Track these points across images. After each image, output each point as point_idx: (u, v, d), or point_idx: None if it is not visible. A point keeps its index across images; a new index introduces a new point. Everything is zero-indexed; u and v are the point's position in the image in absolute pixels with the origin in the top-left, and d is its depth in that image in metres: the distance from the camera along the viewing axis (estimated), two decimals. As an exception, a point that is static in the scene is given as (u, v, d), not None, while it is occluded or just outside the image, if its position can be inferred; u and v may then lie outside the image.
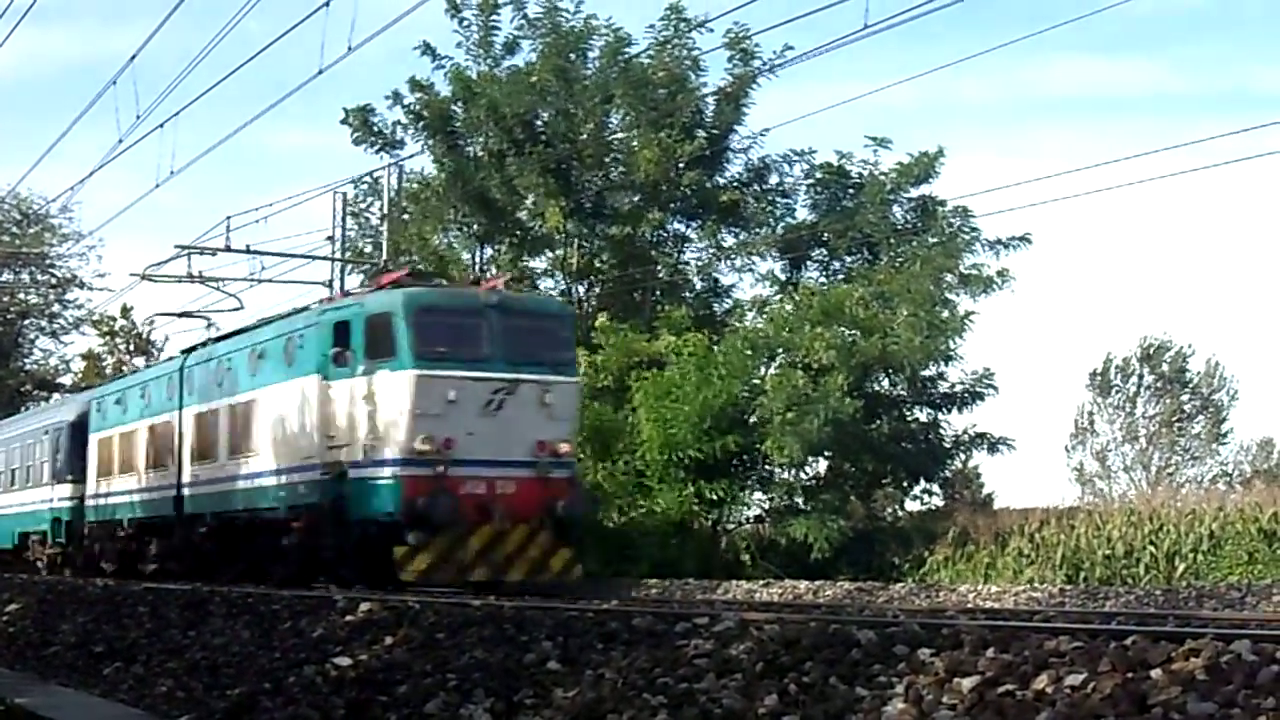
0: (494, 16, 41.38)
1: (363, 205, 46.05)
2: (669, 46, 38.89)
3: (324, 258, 43.48)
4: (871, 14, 20.97)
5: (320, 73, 23.13)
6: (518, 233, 41.78)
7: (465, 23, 41.45)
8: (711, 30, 39.10)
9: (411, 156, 43.04)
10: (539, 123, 40.20)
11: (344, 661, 13.57)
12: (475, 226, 41.60)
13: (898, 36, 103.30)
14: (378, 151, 43.18)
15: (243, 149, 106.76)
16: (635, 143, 39.21)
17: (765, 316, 38.87)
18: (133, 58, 27.42)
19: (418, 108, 41.55)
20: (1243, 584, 23.09)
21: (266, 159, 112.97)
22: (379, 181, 43.90)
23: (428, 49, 41.06)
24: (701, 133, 38.60)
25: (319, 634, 15.45)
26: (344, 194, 43.54)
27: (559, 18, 40.60)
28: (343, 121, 42.48)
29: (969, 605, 19.92)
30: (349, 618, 15.94)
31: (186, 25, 79.90)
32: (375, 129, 42.51)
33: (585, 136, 39.65)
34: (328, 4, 21.43)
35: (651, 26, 39.40)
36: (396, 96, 41.75)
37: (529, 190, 40.29)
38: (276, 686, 13.37)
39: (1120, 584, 25.56)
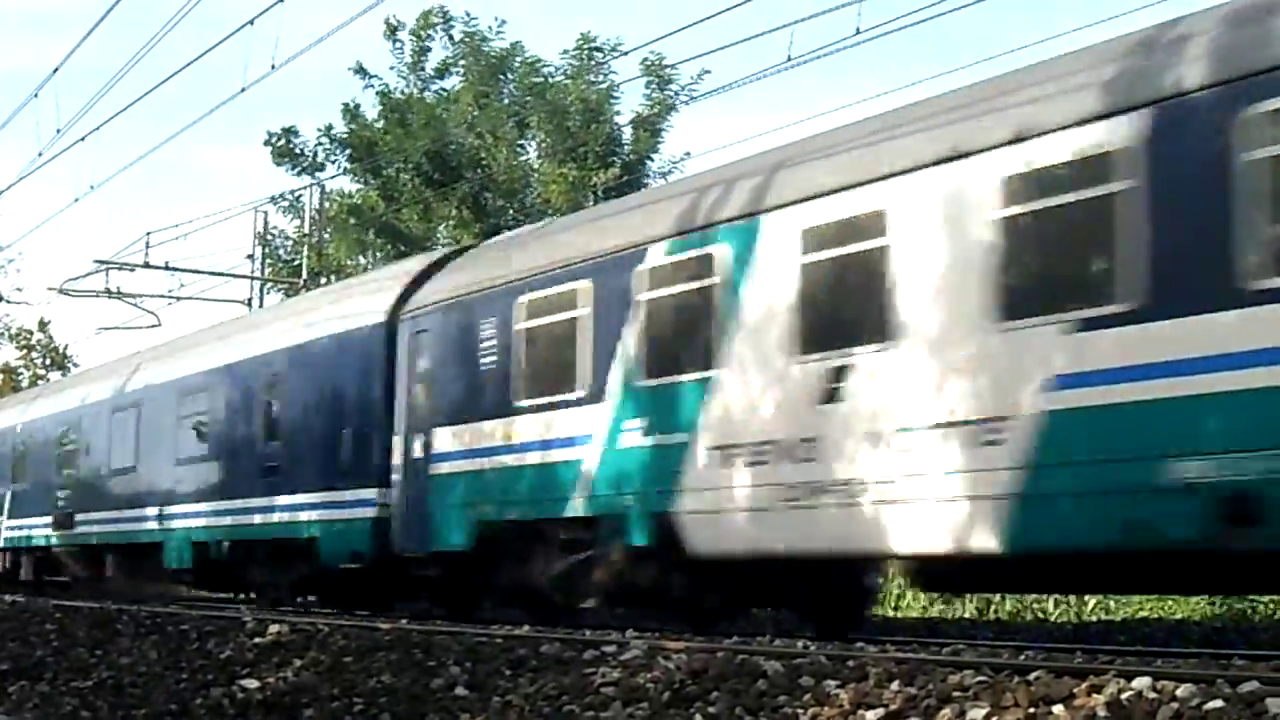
0: (428, 39, 41.66)
1: (278, 230, 45.90)
2: (583, 74, 38.97)
3: (243, 276, 43.35)
4: (796, 46, 21.13)
5: (243, 90, 23.10)
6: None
7: (399, 45, 41.71)
8: (626, 54, 39.23)
9: (333, 178, 43.09)
10: (451, 149, 40.23)
11: (251, 684, 13.50)
12: (390, 250, 41.55)
13: (820, 68, 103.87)
14: (299, 174, 43.12)
15: (164, 165, 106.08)
16: (545, 173, 39.26)
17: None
18: (55, 70, 27.34)
19: (338, 138, 41.73)
20: (1153, 619, 23.25)
21: (187, 175, 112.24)
22: (299, 201, 43.81)
23: (360, 69, 41.24)
24: (617, 161, 38.60)
25: (227, 655, 15.35)
26: (264, 212, 43.50)
27: (480, 42, 40.75)
28: (266, 143, 42.31)
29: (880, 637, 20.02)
30: (257, 639, 15.85)
31: (111, 39, 79.44)
32: (297, 151, 42.33)
33: (499, 164, 39.66)
34: (252, 22, 21.45)
35: (565, 52, 39.64)
36: (327, 129, 41.97)
37: (443, 220, 40.37)
38: (183, 708, 13.29)
39: (1031, 618, 25.63)
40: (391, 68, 42.04)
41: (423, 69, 42.06)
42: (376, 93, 41.35)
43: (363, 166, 41.69)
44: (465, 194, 39.23)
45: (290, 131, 42.11)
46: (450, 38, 41.47)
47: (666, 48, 38.47)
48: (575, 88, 39.02)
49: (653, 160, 39.76)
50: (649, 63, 37.81)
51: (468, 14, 41.12)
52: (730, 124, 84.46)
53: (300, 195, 43.55)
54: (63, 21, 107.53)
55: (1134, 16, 13.44)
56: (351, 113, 41.83)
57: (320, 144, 42.07)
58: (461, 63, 41.39)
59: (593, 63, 38.84)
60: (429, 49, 41.97)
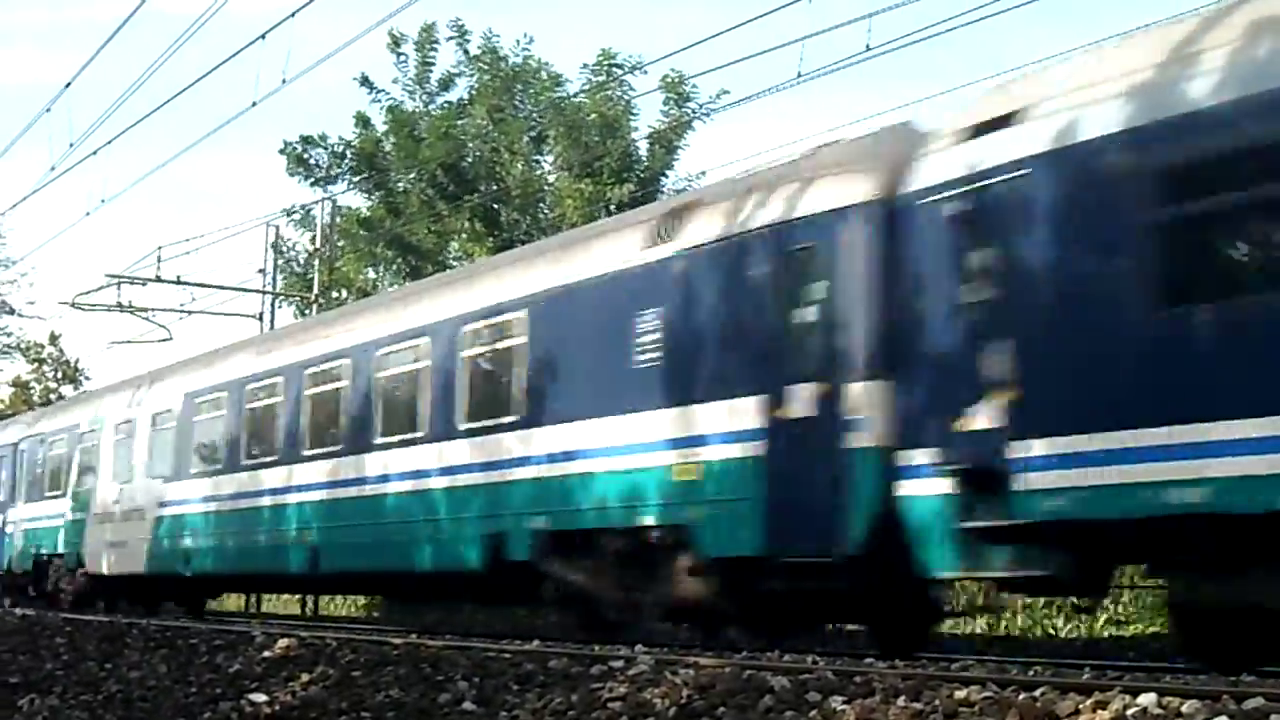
0: (431, 51, 41.80)
1: (291, 243, 46.01)
2: (602, 90, 38.97)
3: (254, 290, 43.44)
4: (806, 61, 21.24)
5: (254, 104, 23.20)
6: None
7: (403, 58, 41.83)
8: (646, 72, 39.24)
9: (344, 192, 43.23)
10: (465, 163, 40.32)
11: (260, 698, 13.50)
12: (401, 264, 41.65)
13: (836, 80, 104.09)
14: (312, 185, 43.32)
15: (175, 178, 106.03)
16: (560, 188, 39.26)
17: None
18: (68, 84, 27.38)
19: (343, 147, 41.99)
20: (1163, 634, 23.18)
21: (199, 189, 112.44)
22: (311, 214, 43.91)
23: (365, 81, 41.38)
24: (634, 177, 38.55)
25: (236, 669, 15.36)
26: (275, 226, 43.62)
27: (497, 59, 40.87)
28: (282, 151, 42.44)
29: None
30: (266, 653, 15.87)
31: (123, 54, 79.73)
32: (311, 162, 42.55)
33: (514, 178, 39.72)
34: (263, 36, 21.52)
35: (585, 65, 39.66)
36: (322, 138, 42.19)
37: (455, 234, 40.45)
38: (191, 721, 13.30)
39: (1041, 633, 25.58)
40: (395, 80, 42.28)
41: (427, 81, 42.20)
42: (384, 108, 41.59)
43: (367, 180, 41.86)
44: (478, 207, 39.27)
45: (307, 140, 42.34)
46: (465, 52, 41.60)
47: (681, 63, 38.46)
48: (593, 103, 39.02)
49: (668, 176, 39.82)
50: (668, 79, 37.87)
51: (489, 30, 41.30)
52: (742, 135, 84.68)
53: (311, 209, 43.71)
54: (75, 36, 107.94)
55: (1141, 20, 13.41)
56: (364, 122, 42.10)
57: (332, 154, 42.33)
58: (475, 76, 41.49)
59: (612, 79, 38.82)
60: (433, 62, 42.17)
